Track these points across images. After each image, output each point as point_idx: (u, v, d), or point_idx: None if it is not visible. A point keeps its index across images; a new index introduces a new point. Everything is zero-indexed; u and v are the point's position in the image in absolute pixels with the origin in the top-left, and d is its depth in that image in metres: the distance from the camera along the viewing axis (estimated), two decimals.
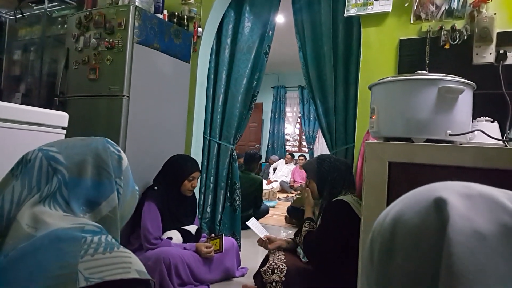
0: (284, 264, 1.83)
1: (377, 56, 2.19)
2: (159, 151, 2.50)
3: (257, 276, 1.95)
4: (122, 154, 0.79)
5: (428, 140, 1.25)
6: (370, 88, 1.45)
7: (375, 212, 1.17)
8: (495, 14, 1.88)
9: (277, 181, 7.03)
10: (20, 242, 0.60)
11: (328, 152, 2.53)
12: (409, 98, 1.27)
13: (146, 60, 2.41)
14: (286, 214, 4.36)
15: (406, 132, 1.28)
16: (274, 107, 8.66)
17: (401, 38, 2.12)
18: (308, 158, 7.55)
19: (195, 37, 2.79)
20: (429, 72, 1.70)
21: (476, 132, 1.34)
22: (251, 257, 2.74)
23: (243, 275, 2.45)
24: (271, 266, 1.83)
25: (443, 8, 2.02)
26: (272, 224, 4.20)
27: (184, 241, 2.29)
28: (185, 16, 2.77)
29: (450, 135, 1.23)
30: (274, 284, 1.77)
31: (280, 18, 4.70)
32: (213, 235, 2.45)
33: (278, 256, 1.92)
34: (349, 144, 2.45)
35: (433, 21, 2.04)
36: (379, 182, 1.23)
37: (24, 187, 0.67)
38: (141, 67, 2.37)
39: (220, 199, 2.94)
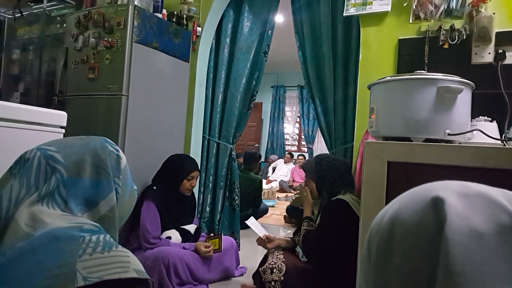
0: (283, 264, 1.83)
1: (376, 55, 2.20)
2: (158, 150, 2.50)
3: (256, 275, 1.95)
4: (121, 153, 0.79)
5: (427, 140, 1.25)
6: (369, 87, 1.45)
7: (374, 211, 1.16)
8: (494, 13, 1.88)
9: (276, 180, 7.02)
10: (18, 241, 0.60)
11: (327, 152, 2.53)
12: (408, 97, 1.27)
13: (145, 59, 2.41)
14: (285, 214, 4.36)
15: (405, 131, 1.28)
16: (274, 106, 8.66)
17: (400, 37, 2.12)
18: (307, 158, 7.55)
19: (194, 36, 2.79)
20: (428, 71, 1.70)
21: (475, 132, 1.34)
22: (250, 256, 2.74)
23: (242, 275, 2.45)
24: (270, 266, 1.83)
25: (442, 8, 2.02)
26: (271, 224, 4.20)
27: (183, 241, 2.29)
28: (184, 16, 2.77)
29: (449, 134, 1.23)
30: (273, 283, 1.77)
31: (279, 18, 4.70)
32: (212, 234, 2.45)
33: (277, 255, 1.92)
34: (348, 143, 2.45)
35: (432, 20, 2.04)
36: (378, 182, 1.23)
37: (23, 186, 0.67)
38: (140, 67, 2.36)
39: (219, 198, 2.94)
